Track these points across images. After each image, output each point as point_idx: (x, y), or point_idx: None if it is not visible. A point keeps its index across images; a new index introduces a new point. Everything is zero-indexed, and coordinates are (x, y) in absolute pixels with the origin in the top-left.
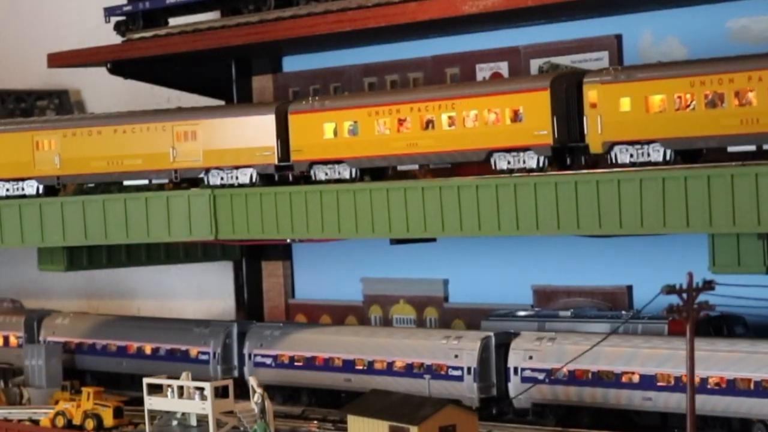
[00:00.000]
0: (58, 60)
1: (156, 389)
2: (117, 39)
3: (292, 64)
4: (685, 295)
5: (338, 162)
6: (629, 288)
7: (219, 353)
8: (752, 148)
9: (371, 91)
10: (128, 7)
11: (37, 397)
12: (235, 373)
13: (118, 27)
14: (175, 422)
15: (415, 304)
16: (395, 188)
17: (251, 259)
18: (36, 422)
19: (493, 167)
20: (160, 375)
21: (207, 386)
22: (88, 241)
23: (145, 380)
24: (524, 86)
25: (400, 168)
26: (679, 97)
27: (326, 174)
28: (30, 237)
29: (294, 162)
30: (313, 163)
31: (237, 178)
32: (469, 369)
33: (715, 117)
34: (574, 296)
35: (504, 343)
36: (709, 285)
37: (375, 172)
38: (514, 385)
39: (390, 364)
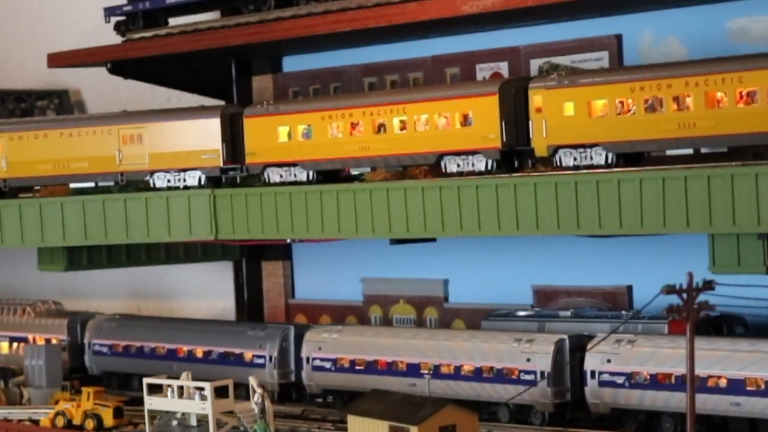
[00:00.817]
0: (58, 60)
1: (156, 389)
2: (117, 39)
3: (292, 64)
4: (685, 295)
5: (293, 165)
6: (629, 288)
7: (275, 357)
8: (689, 151)
9: (336, 94)
10: (128, 7)
11: (37, 397)
12: (293, 378)
13: (118, 27)
14: (175, 422)
15: (415, 304)
16: (395, 188)
17: (251, 259)
18: (36, 422)
19: (443, 170)
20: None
21: (207, 386)
22: (88, 241)
23: (145, 380)
24: (474, 91)
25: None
26: (621, 102)
27: (281, 176)
28: (30, 237)
29: (248, 164)
30: (267, 166)
31: (185, 180)
32: (542, 373)
33: (654, 121)
34: (574, 296)
35: (579, 346)
36: (709, 285)
37: (329, 174)
38: (591, 390)
39: (458, 368)
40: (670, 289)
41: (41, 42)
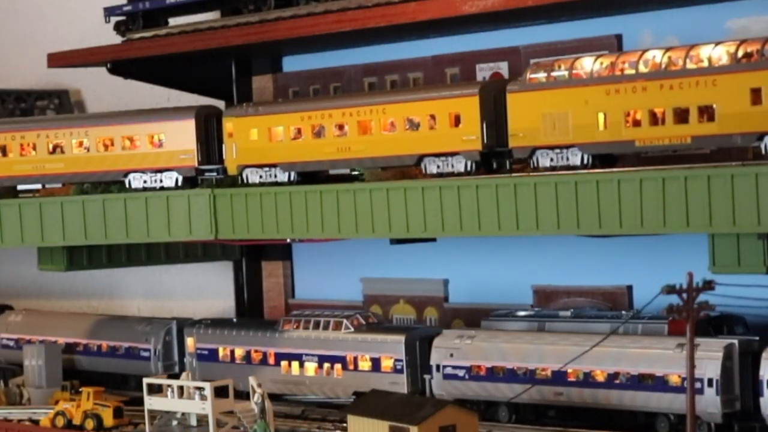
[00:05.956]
0: (58, 60)
1: (156, 389)
2: (117, 39)
3: (292, 64)
4: (685, 295)
5: None
6: (629, 288)
7: (718, 381)
8: (347, 171)
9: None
10: (128, 7)
11: (37, 397)
12: (738, 406)
13: (118, 27)
14: (175, 422)
15: (415, 304)
16: (395, 188)
17: (251, 259)
18: (36, 422)
19: (128, 186)
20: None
21: (207, 386)
22: (88, 241)
23: (145, 380)
24: (171, 117)
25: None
26: (297, 129)
27: None
28: (30, 237)
29: None
30: None
31: None
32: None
33: (319, 145)
34: (574, 296)
35: None
36: (709, 285)
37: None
38: None
39: None
40: (670, 289)
41: (41, 42)
